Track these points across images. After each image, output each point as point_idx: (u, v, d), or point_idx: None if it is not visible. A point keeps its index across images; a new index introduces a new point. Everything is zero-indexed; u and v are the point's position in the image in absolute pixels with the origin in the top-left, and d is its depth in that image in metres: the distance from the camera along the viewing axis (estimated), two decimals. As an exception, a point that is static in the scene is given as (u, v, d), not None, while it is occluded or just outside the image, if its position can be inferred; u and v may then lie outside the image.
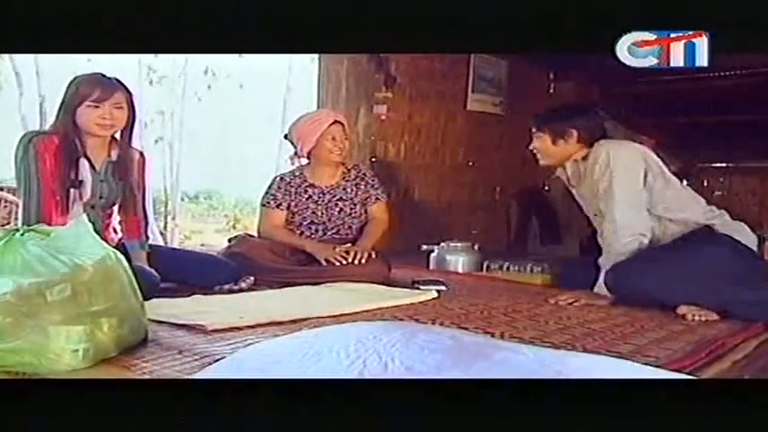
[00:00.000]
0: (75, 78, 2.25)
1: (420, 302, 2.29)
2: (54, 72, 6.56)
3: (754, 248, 2.36)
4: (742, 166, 5.66)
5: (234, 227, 11.42)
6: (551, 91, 5.54)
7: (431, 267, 3.30)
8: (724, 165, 5.73)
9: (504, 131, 5.11)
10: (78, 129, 2.23)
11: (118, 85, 2.24)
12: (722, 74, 5.12)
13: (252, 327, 1.79)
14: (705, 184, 5.71)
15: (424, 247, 3.36)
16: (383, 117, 4.25)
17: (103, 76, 2.26)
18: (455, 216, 4.79)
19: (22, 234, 1.44)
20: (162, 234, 8.03)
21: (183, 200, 10.17)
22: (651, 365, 1.37)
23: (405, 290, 2.49)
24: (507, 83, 5.02)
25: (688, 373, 1.40)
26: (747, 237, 2.35)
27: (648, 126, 5.77)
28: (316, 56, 4.26)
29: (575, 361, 1.06)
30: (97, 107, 2.19)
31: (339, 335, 1.08)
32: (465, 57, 4.63)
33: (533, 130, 2.56)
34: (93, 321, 1.41)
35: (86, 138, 2.25)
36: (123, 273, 1.54)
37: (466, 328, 1.85)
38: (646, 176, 2.39)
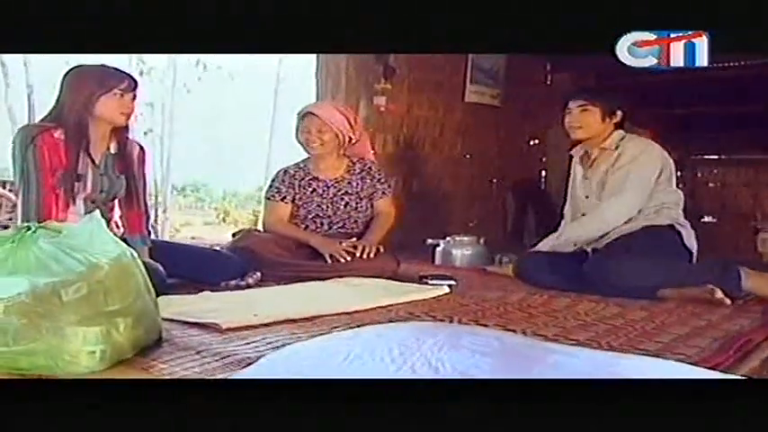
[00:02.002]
0: (81, 68, 2.20)
1: (432, 298, 2.24)
2: (42, 63, 6.43)
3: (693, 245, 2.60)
4: (736, 157, 5.65)
5: (224, 219, 11.34)
6: (549, 82, 5.50)
7: (436, 262, 3.26)
8: (718, 156, 5.72)
9: (500, 123, 5.07)
10: (90, 119, 2.17)
11: (131, 75, 2.23)
12: (717, 66, 5.11)
13: (267, 325, 1.75)
14: (699, 175, 5.70)
15: (430, 241, 3.32)
16: (382, 108, 4.19)
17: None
18: (453, 208, 4.75)
19: (34, 231, 1.38)
20: (153, 227, 7.93)
21: (170, 192, 10.07)
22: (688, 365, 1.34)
23: (415, 285, 2.44)
24: (505, 74, 4.98)
25: (722, 371, 1.37)
26: (690, 235, 2.61)
27: (644, 117, 5.77)
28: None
29: (626, 363, 1.03)
30: (123, 96, 2.18)
31: (377, 337, 1.03)
32: (463, 48, 4.58)
33: (581, 102, 2.63)
34: (110, 321, 1.36)
35: (90, 129, 2.19)
36: (138, 270, 1.49)
37: (485, 325, 1.82)
38: (659, 176, 2.58)
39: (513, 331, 1.72)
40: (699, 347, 1.62)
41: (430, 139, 4.62)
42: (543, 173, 5.64)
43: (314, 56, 4.16)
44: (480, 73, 4.88)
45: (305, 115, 2.82)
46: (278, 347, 1.53)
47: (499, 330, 1.48)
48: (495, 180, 5.21)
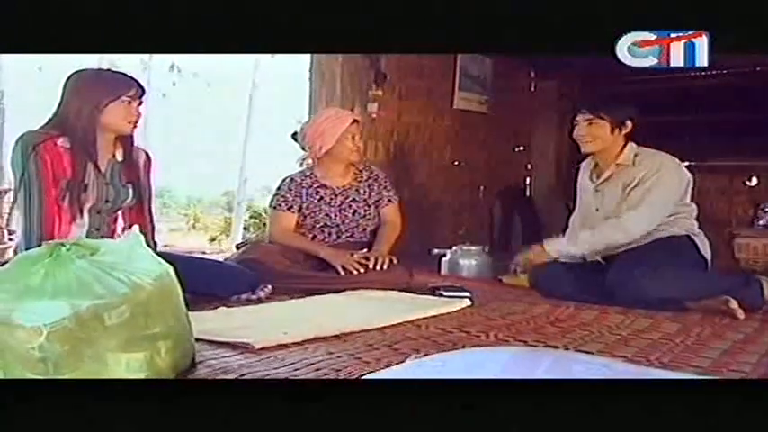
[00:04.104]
0: (86, 73, 2.09)
1: (455, 311, 2.18)
2: (14, 67, 6.20)
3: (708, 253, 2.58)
4: (711, 164, 5.71)
5: (194, 226, 11.12)
6: (533, 90, 5.50)
7: (443, 272, 3.19)
8: (693, 163, 5.76)
9: (488, 130, 5.05)
10: (98, 127, 2.06)
11: (138, 82, 2.11)
12: (692, 74, 5.16)
13: (299, 343, 1.67)
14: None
15: (436, 251, 3.26)
16: (374, 115, 4.12)
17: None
18: (442, 216, 4.71)
19: (68, 249, 1.27)
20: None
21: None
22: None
23: (435, 298, 2.37)
24: (492, 81, 4.96)
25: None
26: (705, 244, 2.59)
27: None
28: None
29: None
30: (130, 103, 2.07)
31: (471, 363, 0.96)
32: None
33: (590, 115, 2.57)
34: (152, 346, 1.27)
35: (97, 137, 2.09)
36: (177, 289, 1.40)
37: (524, 341, 1.77)
38: (681, 191, 2.57)
39: (555, 347, 1.68)
40: (749, 363, 1.58)
41: (420, 146, 4.56)
42: (528, 180, 5.64)
43: (290, 63, 4.09)
44: (468, 79, 4.85)
45: (353, 122, 2.75)
46: (320, 369, 1.47)
47: (600, 356, 1.42)
48: (482, 187, 5.18)
